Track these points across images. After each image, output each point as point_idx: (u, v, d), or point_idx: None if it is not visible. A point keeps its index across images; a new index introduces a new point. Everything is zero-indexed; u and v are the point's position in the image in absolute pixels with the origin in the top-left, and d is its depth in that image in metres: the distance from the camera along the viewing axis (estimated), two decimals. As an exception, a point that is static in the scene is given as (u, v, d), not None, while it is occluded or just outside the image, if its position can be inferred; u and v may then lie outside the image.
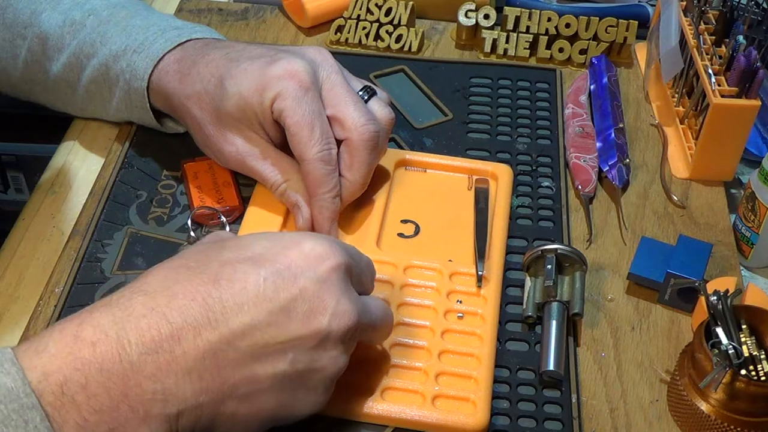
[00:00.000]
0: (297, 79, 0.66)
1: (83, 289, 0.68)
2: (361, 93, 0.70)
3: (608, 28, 0.92)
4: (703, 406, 0.59)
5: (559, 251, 0.68)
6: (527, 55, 0.92)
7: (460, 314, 0.66)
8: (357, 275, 0.57)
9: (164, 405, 0.49)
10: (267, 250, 0.53)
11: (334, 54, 0.72)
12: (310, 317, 0.52)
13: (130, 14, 0.76)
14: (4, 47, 0.79)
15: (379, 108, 0.70)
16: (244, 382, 0.51)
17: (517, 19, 0.92)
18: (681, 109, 0.85)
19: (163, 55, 0.72)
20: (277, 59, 0.67)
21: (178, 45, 0.73)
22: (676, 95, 0.86)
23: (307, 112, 0.66)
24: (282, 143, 0.69)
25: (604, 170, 0.79)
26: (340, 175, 0.68)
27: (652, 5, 0.98)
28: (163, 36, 0.73)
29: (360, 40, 0.93)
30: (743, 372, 0.58)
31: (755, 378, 0.59)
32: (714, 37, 0.81)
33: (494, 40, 0.93)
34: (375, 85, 0.74)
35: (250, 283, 0.51)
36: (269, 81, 0.66)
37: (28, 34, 0.77)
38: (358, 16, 0.94)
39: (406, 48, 0.93)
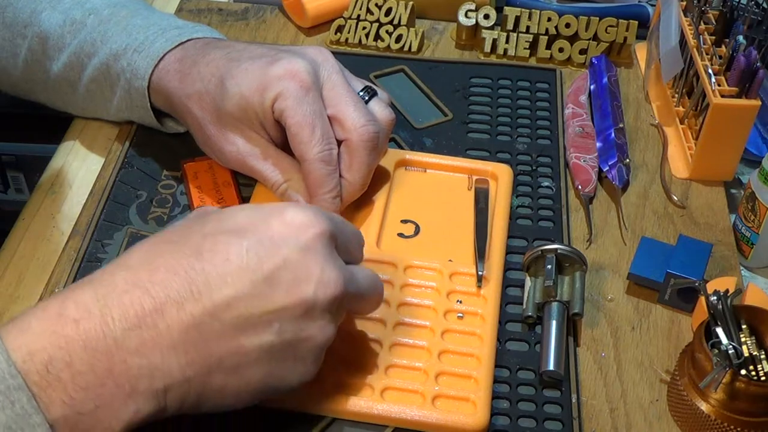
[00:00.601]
0: (298, 79, 0.66)
1: (83, 289, 0.68)
2: (361, 93, 0.70)
3: (608, 28, 0.92)
4: (703, 406, 0.59)
5: (559, 251, 0.68)
6: (527, 55, 0.92)
7: (460, 314, 0.66)
8: (343, 244, 0.56)
9: (150, 380, 0.48)
10: (249, 220, 0.53)
11: (334, 54, 0.72)
12: (295, 286, 0.52)
13: (131, 13, 0.76)
14: (4, 46, 0.79)
15: (379, 108, 0.70)
16: (231, 354, 0.51)
17: (517, 19, 0.92)
18: (681, 109, 0.85)
19: (164, 55, 0.72)
20: (278, 59, 0.67)
21: (179, 44, 0.73)
22: (676, 95, 0.86)
23: (308, 113, 0.66)
24: (283, 143, 0.69)
25: (604, 170, 0.79)
26: (340, 175, 0.68)
27: (652, 5, 0.98)
28: (164, 35, 0.73)
29: (360, 40, 0.93)
30: (743, 372, 0.58)
31: (755, 378, 0.59)
32: (714, 37, 0.81)
33: (494, 40, 0.93)
34: (375, 85, 0.74)
35: (233, 254, 0.51)
36: (270, 81, 0.66)
37: (28, 33, 0.77)
38: (358, 16, 0.94)
39: (406, 48, 0.93)
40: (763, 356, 0.60)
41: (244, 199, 0.74)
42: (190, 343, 0.49)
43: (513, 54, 0.93)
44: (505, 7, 0.93)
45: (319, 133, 0.66)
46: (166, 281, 0.49)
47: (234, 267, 0.50)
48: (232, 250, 0.51)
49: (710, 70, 0.77)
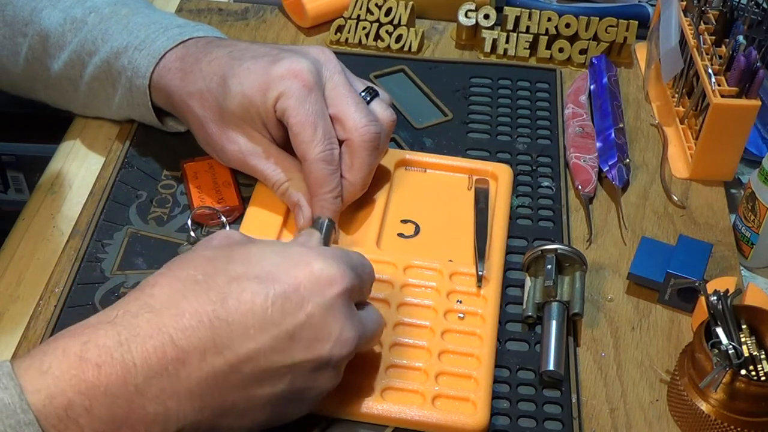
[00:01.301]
0: (300, 79, 0.66)
1: (83, 289, 0.68)
2: (363, 94, 0.70)
3: (608, 28, 0.92)
4: (703, 406, 0.59)
5: (559, 251, 0.68)
6: (527, 55, 0.92)
7: (461, 314, 0.66)
8: (359, 290, 0.57)
9: (165, 425, 0.49)
10: (276, 267, 0.53)
11: (334, 54, 0.72)
12: (314, 344, 0.53)
13: (132, 12, 0.76)
14: (4, 45, 0.79)
15: (381, 109, 0.70)
16: (243, 401, 0.52)
17: (517, 19, 0.92)
18: (681, 109, 0.85)
19: (165, 53, 0.72)
20: (281, 58, 0.67)
21: (180, 43, 0.73)
22: (676, 95, 0.86)
23: (310, 112, 0.66)
24: (284, 142, 0.69)
25: (604, 170, 0.79)
26: (341, 176, 0.68)
27: (652, 5, 0.98)
28: (165, 34, 0.73)
29: (360, 40, 0.93)
30: (743, 372, 0.58)
31: (755, 378, 0.59)
32: (714, 37, 0.81)
33: (494, 40, 0.93)
34: (376, 85, 0.74)
35: (258, 306, 0.51)
36: (272, 80, 0.66)
37: (28, 31, 0.77)
38: (358, 16, 0.94)
39: (406, 48, 0.93)
40: (763, 356, 0.60)
41: (245, 200, 0.74)
42: (207, 391, 0.50)
43: (513, 54, 0.93)
44: (505, 7, 0.93)
45: (320, 132, 0.66)
46: (190, 329, 0.49)
47: (258, 319, 0.51)
48: (257, 301, 0.51)
49: (710, 70, 0.77)
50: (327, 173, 0.67)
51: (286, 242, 0.59)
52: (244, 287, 0.52)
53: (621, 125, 0.84)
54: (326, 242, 0.65)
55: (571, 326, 0.67)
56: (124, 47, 0.74)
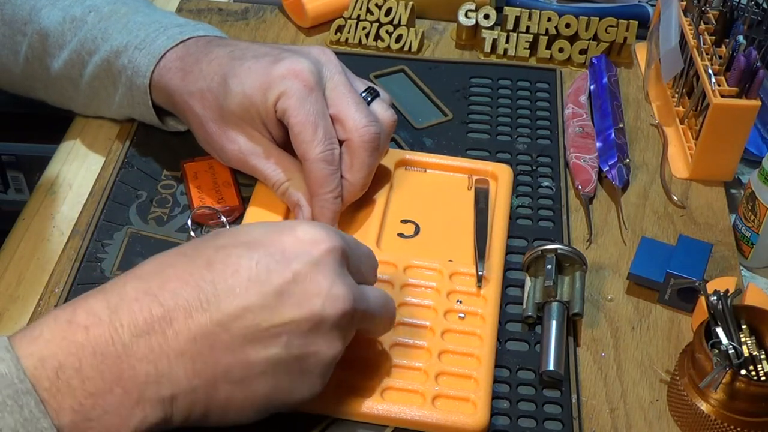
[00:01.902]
0: (301, 79, 0.66)
1: (83, 289, 0.68)
2: (364, 94, 0.70)
3: (608, 28, 0.92)
4: (703, 406, 0.59)
5: (559, 251, 0.68)
6: (527, 55, 0.92)
7: (462, 314, 0.66)
8: (355, 264, 0.56)
9: (158, 388, 0.49)
10: (262, 235, 0.53)
11: (335, 54, 0.72)
12: (304, 300, 0.52)
13: (132, 11, 0.76)
14: (4, 44, 0.79)
15: (381, 110, 0.70)
16: (237, 365, 0.51)
17: (517, 19, 0.92)
18: (681, 109, 0.85)
19: (165, 52, 0.72)
20: (282, 58, 0.67)
21: (181, 42, 0.73)
22: (676, 95, 0.86)
23: (311, 112, 0.66)
24: (284, 142, 0.69)
25: (604, 170, 0.79)
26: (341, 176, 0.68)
27: (652, 5, 0.98)
28: (166, 33, 0.73)
29: (360, 40, 0.93)
30: (743, 372, 0.58)
31: (755, 378, 0.59)
32: (714, 37, 0.81)
33: (494, 40, 0.93)
34: (376, 86, 0.74)
35: (243, 267, 0.51)
36: (273, 80, 0.66)
37: (28, 30, 0.77)
38: (358, 16, 0.94)
39: (406, 48, 0.93)
40: (763, 356, 0.60)
41: (245, 200, 0.74)
42: (197, 352, 0.50)
43: (513, 54, 0.93)
44: (505, 7, 0.93)
45: (321, 132, 0.66)
46: (175, 290, 0.50)
47: (243, 279, 0.51)
48: (242, 263, 0.51)
49: (710, 70, 0.77)
50: (327, 173, 0.67)
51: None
52: (230, 253, 0.52)
53: (621, 125, 0.84)
54: None
55: (571, 326, 0.67)
56: (124, 46, 0.74)
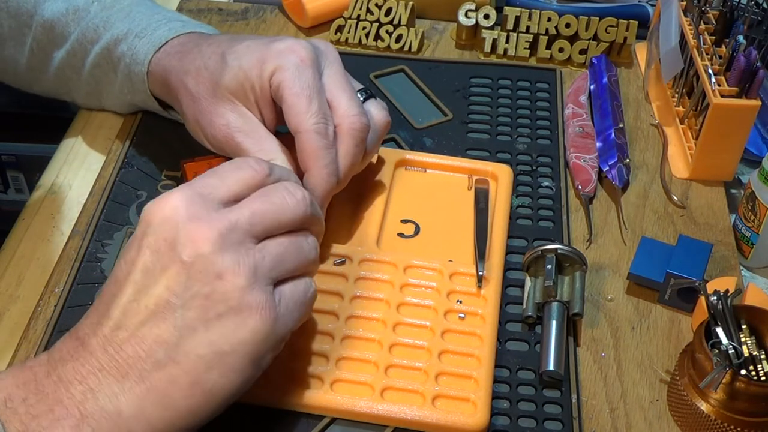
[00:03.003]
0: (298, 54, 0.65)
1: (83, 289, 0.68)
2: (359, 92, 0.70)
3: (608, 28, 0.92)
4: (703, 406, 0.59)
5: (559, 251, 0.68)
6: (527, 55, 0.92)
7: (462, 314, 0.66)
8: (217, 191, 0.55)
9: (95, 401, 0.50)
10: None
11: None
12: (165, 254, 0.51)
13: (135, 2, 0.77)
14: (11, 36, 0.79)
15: (375, 109, 0.70)
16: (149, 347, 0.51)
17: (517, 19, 0.92)
18: (681, 109, 0.85)
19: (167, 42, 0.72)
20: (281, 39, 0.67)
21: (183, 34, 0.73)
22: (676, 95, 0.86)
23: (306, 86, 0.64)
24: (274, 127, 0.69)
25: (604, 170, 0.79)
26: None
27: (652, 5, 0.98)
28: (168, 24, 0.74)
29: (360, 40, 0.93)
30: (743, 372, 0.58)
31: (755, 378, 0.59)
32: (714, 37, 0.81)
33: (494, 40, 0.93)
34: (376, 86, 0.73)
35: (121, 271, 0.53)
36: (271, 54, 0.66)
37: (32, 22, 0.78)
38: (358, 16, 0.94)
39: (406, 48, 0.93)
40: (763, 356, 0.60)
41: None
42: (111, 358, 0.51)
43: (513, 54, 0.93)
44: (505, 7, 0.93)
45: (315, 105, 0.64)
46: (89, 317, 0.53)
47: (122, 275, 0.53)
48: (119, 275, 0.53)
49: (710, 70, 0.77)
50: (321, 146, 0.64)
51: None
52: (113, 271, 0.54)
53: (621, 125, 0.84)
54: None
55: (571, 326, 0.67)
56: (124, 34, 0.74)
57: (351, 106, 0.66)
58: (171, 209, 0.52)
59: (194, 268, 0.51)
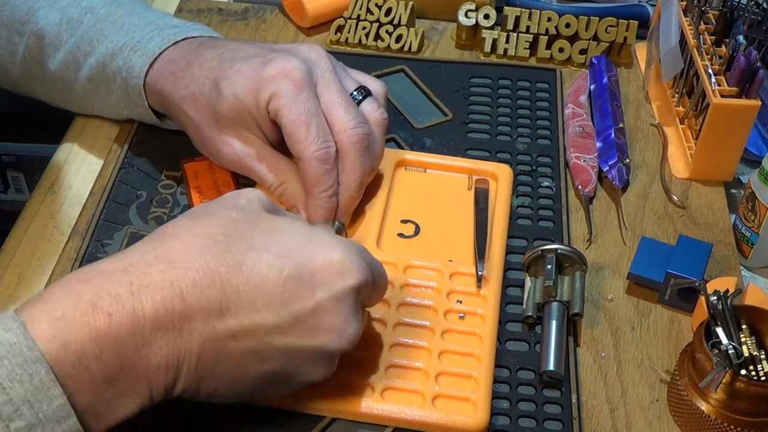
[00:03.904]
0: (291, 79, 0.66)
1: (83, 289, 0.68)
2: (354, 93, 0.70)
3: (608, 28, 0.92)
4: (703, 406, 0.59)
5: (559, 251, 0.68)
6: (527, 55, 0.92)
7: (462, 314, 0.66)
8: (370, 292, 0.57)
9: (165, 376, 0.50)
10: (297, 246, 0.53)
11: (334, 54, 0.72)
12: (316, 332, 0.53)
13: (128, 12, 0.76)
14: (1, 44, 0.79)
15: (371, 110, 0.70)
16: (234, 371, 0.53)
17: (517, 19, 0.92)
18: (681, 109, 0.85)
19: (159, 54, 0.72)
20: (271, 59, 0.67)
21: (173, 44, 0.73)
22: (676, 95, 0.86)
23: (303, 111, 0.65)
24: (280, 143, 0.69)
25: (604, 170, 0.79)
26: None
27: (652, 5, 0.98)
28: (161, 34, 0.73)
29: (360, 40, 0.93)
30: (743, 372, 0.58)
31: (755, 378, 0.59)
32: (714, 37, 0.81)
33: (494, 40, 0.93)
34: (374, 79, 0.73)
35: (270, 280, 0.51)
36: (264, 81, 0.66)
37: (25, 31, 0.77)
38: (358, 16, 0.94)
39: (406, 48, 0.93)
40: (763, 356, 0.60)
41: (244, 199, 0.74)
42: (203, 352, 0.51)
43: (513, 54, 0.93)
44: (505, 7, 0.93)
45: (314, 130, 0.66)
46: (201, 287, 0.50)
47: (267, 294, 0.51)
48: (270, 276, 0.52)
49: (710, 70, 0.77)
50: (322, 172, 0.66)
51: (312, 224, 0.59)
52: (261, 258, 0.52)
53: (621, 125, 0.84)
54: None
55: (571, 326, 0.67)
56: (119, 48, 0.74)
57: (347, 119, 0.67)
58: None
59: (322, 356, 0.55)
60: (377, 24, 0.93)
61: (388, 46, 0.93)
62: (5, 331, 0.46)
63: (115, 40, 0.74)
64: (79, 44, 0.75)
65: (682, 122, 0.84)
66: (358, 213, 0.73)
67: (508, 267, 0.71)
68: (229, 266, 0.51)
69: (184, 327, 0.50)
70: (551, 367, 0.63)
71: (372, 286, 0.56)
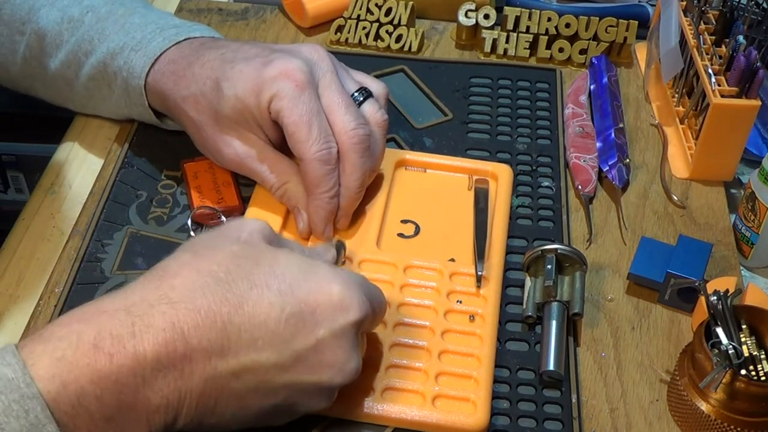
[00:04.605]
0: (293, 79, 0.66)
1: (83, 289, 0.68)
2: (355, 95, 0.70)
3: (608, 28, 0.92)
4: (703, 406, 0.59)
5: (559, 251, 0.68)
6: (527, 55, 0.92)
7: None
8: (370, 323, 0.58)
9: (165, 415, 0.50)
10: (298, 283, 0.53)
11: (334, 54, 0.71)
12: (317, 368, 0.53)
13: (129, 12, 0.76)
14: (2, 43, 0.79)
15: (372, 111, 0.70)
16: (236, 407, 0.53)
17: (517, 19, 0.92)
18: (681, 109, 0.85)
19: (161, 54, 0.72)
20: (272, 60, 0.67)
21: (175, 44, 0.73)
22: (676, 95, 0.86)
23: (304, 111, 0.65)
24: (281, 143, 0.69)
25: (604, 170, 0.79)
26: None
27: (652, 5, 0.98)
28: (162, 34, 0.73)
29: (360, 40, 0.93)
30: (743, 372, 0.58)
31: (755, 378, 0.59)
32: (714, 37, 0.81)
33: (494, 40, 0.93)
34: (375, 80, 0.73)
35: (272, 319, 0.52)
36: (265, 82, 0.66)
37: (26, 30, 0.77)
38: (358, 16, 0.94)
39: (406, 48, 0.93)
40: (763, 356, 0.60)
41: (245, 200, 0.74)
42: (205, 391, 0.51)
43: (513, 54, 0.93)
44: (505, 7, 0.93)
45: (316, 131, 0.66)
46: (203, 328, 0.50)
47: (268, 333, 0.52)
48: (272, 315, 0.52)
49: (710, 70, 0.77)
50: (323, 173, 0.66)
51: (313, 255, 0.59)
52: (263, 296, 0.52)
53: (621, 125, 0.84)
54: (336, 262, 0.65)
55: (571, 326, 0.67)
56: (120, 48, 0.74)
57: (348, 120, 0.67)
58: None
59: (324, 390, 0.56)
60: (377, 24, 0.93)
61: (388, 46, 0.93)
62: (4, 365, 0.46)
63: (116, 40, 0.74)
64: (80, 43, 0.75)
65: (682, 122, 0.84)
66: (358, 213, 0.73)
67: (508, 267, 0.71)
68: (231, 306, 0.51)
69: (186, 368, 0.50)
70: (551, 367, 0.63)
71: (372, 316, 0.57)
